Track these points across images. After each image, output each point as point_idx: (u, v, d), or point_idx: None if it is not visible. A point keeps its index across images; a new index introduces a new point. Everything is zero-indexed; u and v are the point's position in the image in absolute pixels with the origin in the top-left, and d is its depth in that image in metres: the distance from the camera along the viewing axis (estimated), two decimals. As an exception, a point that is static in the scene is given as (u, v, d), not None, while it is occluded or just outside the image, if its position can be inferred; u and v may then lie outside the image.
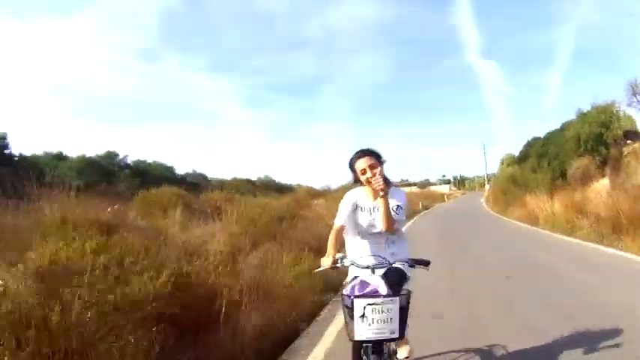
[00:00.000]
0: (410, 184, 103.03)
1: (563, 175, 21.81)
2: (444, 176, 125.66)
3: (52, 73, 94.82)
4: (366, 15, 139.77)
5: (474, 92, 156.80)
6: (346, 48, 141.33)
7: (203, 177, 54.94)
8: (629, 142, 20.34)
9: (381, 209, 2.92)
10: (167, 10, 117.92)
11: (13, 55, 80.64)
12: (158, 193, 12.81)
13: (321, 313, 5.85)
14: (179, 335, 3.36)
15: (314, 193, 29.12)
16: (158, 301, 3.27)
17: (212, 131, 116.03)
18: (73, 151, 55.39)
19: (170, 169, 53.66)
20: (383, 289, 2.64)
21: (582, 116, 21.49)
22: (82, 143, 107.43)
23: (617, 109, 20.53)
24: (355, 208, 3.14)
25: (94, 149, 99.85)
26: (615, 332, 4.34)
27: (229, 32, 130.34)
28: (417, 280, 3.09)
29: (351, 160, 3.13)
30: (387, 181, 3.03)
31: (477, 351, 4.06)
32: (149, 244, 4.69)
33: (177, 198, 11.75)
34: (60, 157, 42.17)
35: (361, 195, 3.18)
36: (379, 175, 2.93)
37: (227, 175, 56.30)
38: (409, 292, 2.77)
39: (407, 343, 3.27)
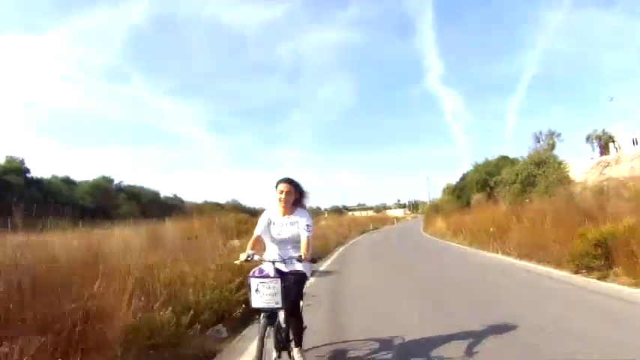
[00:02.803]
0: (366, 209, 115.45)
1: (469, 203, 32.87)
2: (399, 201, 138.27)
3: (16, 90, 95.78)
4: (332, 42, 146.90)
5: (433, 118, 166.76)
6: (310, 74, 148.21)
7: (180, 200, 63.55)
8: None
9: (302, 245, 4.16)
10: (135, 30, 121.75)
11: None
12: (236, 217, 22.58)
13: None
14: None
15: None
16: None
17: (176, 154, 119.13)
18: (45, 172, 59.70)
19: (157, 194, 62.48)
20: (272, 272, 3.90)
21: (476, 167, 32.98)
22: (46, 161, 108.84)
23: (496, 161, 31.57)
24: (269, 222, 4.32)
25: (59, 168, 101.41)
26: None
27: (197, 56, 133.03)
28: (358, 259, 11.51)
29: (276, 182, 4.33)
30: (297, 204, 4.40)
31: (379, 340, 5.21)
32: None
33: (247, 219, 21.55)
34: (69, 182, 50.65)
35: (274, 213, 4.36)
36: (287, 201, 4.27)
37: (189, 197, 65.88)
38: (304, 277, 4.29)
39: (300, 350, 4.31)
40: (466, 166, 33.31)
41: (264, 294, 3.78)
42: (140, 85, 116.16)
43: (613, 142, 48.79)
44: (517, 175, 23.37)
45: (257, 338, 3.78)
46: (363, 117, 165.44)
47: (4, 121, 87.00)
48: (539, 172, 22.05)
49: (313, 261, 4.33)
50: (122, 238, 9.21)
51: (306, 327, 4.45)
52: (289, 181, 4.31)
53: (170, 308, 5.05)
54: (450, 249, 18.65)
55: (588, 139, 51.69)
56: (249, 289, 3.87)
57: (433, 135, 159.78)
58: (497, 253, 14.03)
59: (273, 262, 4.02)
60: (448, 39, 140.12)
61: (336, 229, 31.71)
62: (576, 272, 9.02)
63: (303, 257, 4.04)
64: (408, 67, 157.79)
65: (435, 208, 39.57)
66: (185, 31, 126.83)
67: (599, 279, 8.31)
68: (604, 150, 49.16)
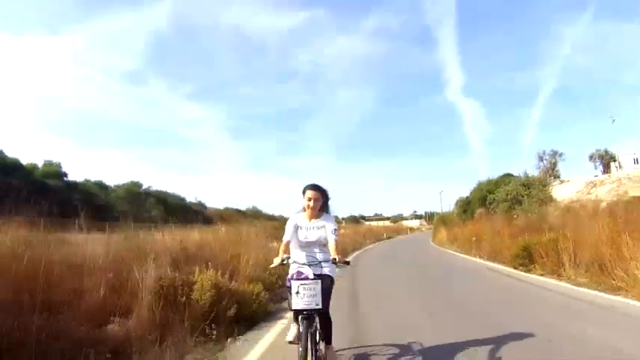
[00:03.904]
0: (382, 219, 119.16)
1: (473, 216, 37.39)
2: (415, 212, 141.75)
3: (34, 88, 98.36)
4: (352, 51, 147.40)
5: (453, 128, 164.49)
6: (329, 83, 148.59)
7: (203, 206, 67.52)
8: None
9: (332, 248, 4.38)
10: (156, 34, 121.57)
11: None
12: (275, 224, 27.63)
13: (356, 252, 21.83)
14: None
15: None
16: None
17: (194, 158, 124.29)
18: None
19: (183, 199, 66.57)
20: (310, 275, 4.12)
21: (479, 184, 37.62)
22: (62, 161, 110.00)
23: (497, 180, 36.16)
24: (296, 227, 4.56)
25: (78, 170, 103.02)
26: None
27: (218, 61, 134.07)
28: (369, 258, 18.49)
29: (303, 188, 4.58)
30: (323, 209, 4.63)
31: (397, 346, 5.48)
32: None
33: (280, 225, 26.58)
34: (102, 186, 54.94)
35: (300, 218, 4.62)
36: (314, 207, 4.48)
37: (210, 202, 69.38)
38: (331, 281, 4.43)
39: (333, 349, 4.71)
40: (484, 178, 38.08)
41: (304, 295, 3.98)
42: (161, 88, 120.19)
43: (614, 161, 52.33)
44: (507, 194, 27.96)
45: (300, 340, 4.05)
46: (382, 126, 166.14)
47: (21, 120, 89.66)
48: (525, 193, 26.61)
49: (347, 263, 4.55)
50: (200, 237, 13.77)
51: (331, 323, 4.61)
52: (317, 188, 4.60)
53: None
54: (440, 252, 25.31)
55: (591, 157, 55.63)
56: (290, 292, 4.19)
57: (452, 146, 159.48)
58: (476, 257, 18.78)
59: (309, 265, 4.32)
60: (469, 50, 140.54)
61: (353, 237, 36.69)
62: (514, 267, 13.73)
63: (337, 260, 4.28)
64: (428, 77, 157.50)
65: (442, 220, 44.07)
66: (206, 37, 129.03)
67: (524, 271, 13.03)
68: (606, 169, 52.74)
